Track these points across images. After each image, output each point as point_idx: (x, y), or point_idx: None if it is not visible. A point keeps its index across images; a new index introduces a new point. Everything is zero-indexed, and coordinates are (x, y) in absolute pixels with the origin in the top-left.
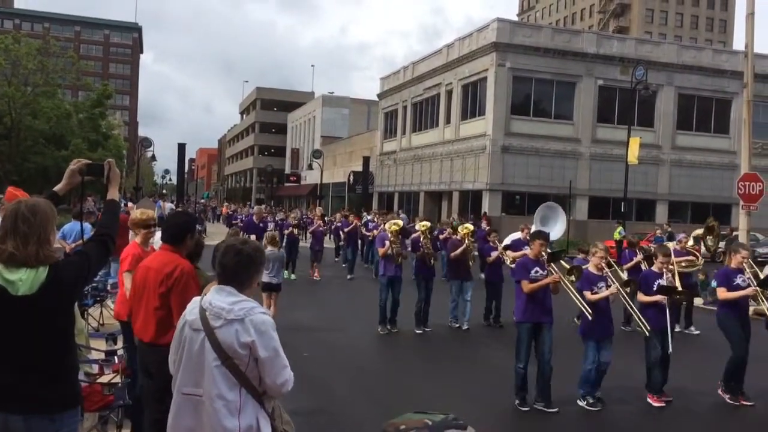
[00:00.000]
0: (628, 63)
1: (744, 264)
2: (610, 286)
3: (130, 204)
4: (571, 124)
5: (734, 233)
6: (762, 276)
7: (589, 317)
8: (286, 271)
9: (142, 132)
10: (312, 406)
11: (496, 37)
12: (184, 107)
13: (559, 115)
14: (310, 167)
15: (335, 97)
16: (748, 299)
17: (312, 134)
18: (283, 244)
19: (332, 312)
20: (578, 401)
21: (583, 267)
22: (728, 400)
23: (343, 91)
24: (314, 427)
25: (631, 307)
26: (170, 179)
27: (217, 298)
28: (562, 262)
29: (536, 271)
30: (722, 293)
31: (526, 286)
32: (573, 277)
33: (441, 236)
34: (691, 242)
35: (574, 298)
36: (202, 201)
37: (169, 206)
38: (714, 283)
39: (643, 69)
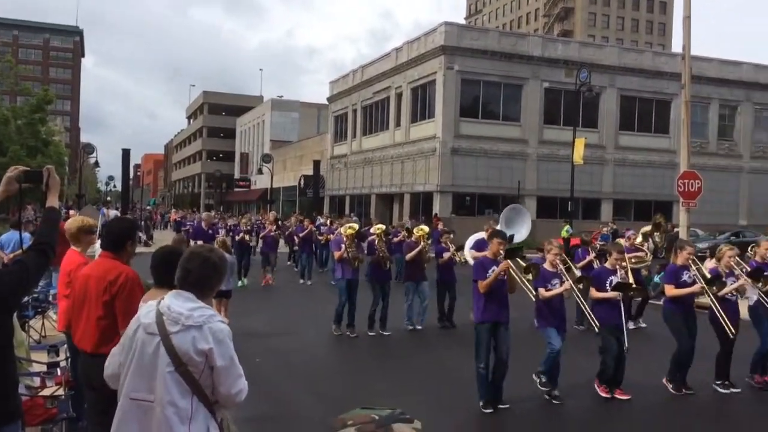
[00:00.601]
0: (572, 65)
1: (689, 261)
2: (564, 283)
3: (71, 212)
4: (518, 126)
5: (675, 230)
6: (705, 270)
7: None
8: (239, 281)
9: (84, 138)
10: (265, 412)
11: (444, 41)
12: (128, 112)
13: (507, 116)
14: (260, 172)
15: (285, 101)
16: (693, 296)
17: (261, 138)
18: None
19: (286, 317)
20: (533, 375)
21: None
22: (672, 390)
23: (292, 95)
24: None
25: (583, 304)
26: (114, 186)
27: (176, 303)
28: (519, 260)
29: (493, 271)
30: (670, 290)
31: (482, 285)
32: (531, 276)
33: (395, 239)
34: (639, 239)
35: (529, 294)
36: (149, 208)
37: (113, 213)
38: (657, 279)
39: (587, 71)
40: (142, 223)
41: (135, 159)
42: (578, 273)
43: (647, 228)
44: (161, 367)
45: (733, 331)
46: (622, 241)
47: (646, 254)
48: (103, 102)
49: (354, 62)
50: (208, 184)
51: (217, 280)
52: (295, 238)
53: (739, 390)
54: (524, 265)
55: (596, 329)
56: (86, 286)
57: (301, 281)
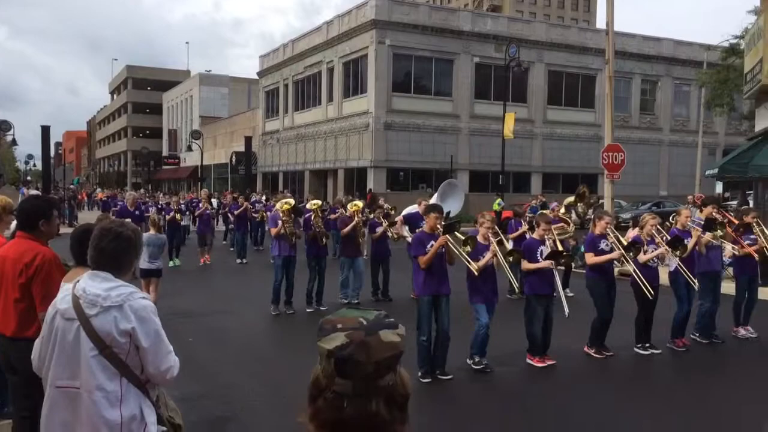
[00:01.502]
0: (501, 41)
1: (607, 229)
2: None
3: None
4: (450, 101)
5: (600, 201)
6: (624, 240)
7: (476, 273)
8: (171, 260)
9: (0, 115)
10: (199, 390)
11: (375, 15)
12: (46, 87)
13: (439, 91)
14: (189, 149)
15: (213, 75)
16: (613, 264)
17: (190, 114)
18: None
19: (221, 296)
20: (467, 360)
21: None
22: (594, 354)
23: (220, 69)
24: (202, 411)
25: (511, 276)
26: (35, 165)
27: (92, 284)
28: (457, 233)
29: (431, 245)
30: (590, 258)
31: (422, 260)
32: (469, 248)
33: (333, 216)
34: (563, 210)
35: (466, 264)
36: (72, 187)
37: (34, 193)
38: (582, 249)
39: (516, 47)
40: (66, 203)
41: (56, 136)
42: (510, 244)
43: (570, 199)
44: (84, 352)
45: (651, 291)
46: (546, 212)
47: (569, 224)
48: (19, 77)
49: (284, 36)
50: (135, 162)
51: (135, 255)
52: (230, 216)
53: (659, 351)
54: (462, 238)
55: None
56: (2, 268)
57: (238, 261)
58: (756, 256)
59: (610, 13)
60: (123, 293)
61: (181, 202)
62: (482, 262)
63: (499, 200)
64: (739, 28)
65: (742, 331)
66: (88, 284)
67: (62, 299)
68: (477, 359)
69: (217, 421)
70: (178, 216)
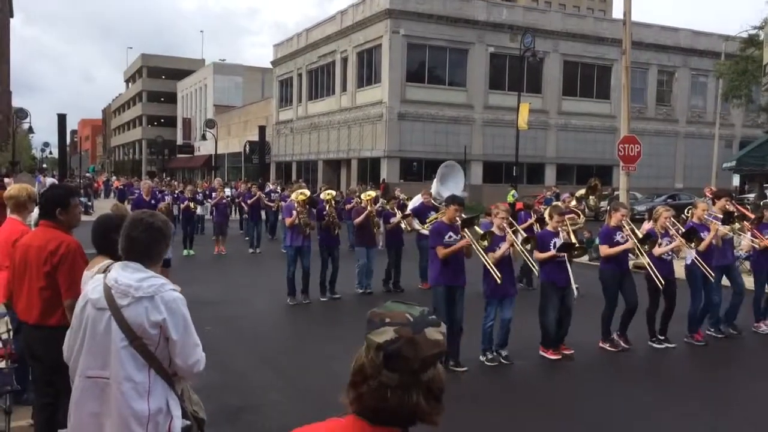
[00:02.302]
0: (516, 30)
1: (623, 221)
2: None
3: (6, 180)
4: (464, 91)
5: (615, 192)
6: (639, 233)
7: (498, 281)
8: (185, 250)
9: (16, 103)
10: (216, 380)
11: (390, 4)
12: (62, 75)
13: (453, 82)
14: (203, 137)
15: (227, 64)
16: (627, 256)
17: (204, 103)
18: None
19: (236, 286)
20: (480, 357)
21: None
22: (609, 348)
23: (234, 57)
24: (219, 401)
25: (531, 263)
26: (51, 152)
27: (123, 275)
28: (476, 227)
29: (450, 236)
30: (604, 250)
31: (441, 251)
32: (486, 242)
33: (348, 206)
34: (573, 202)
35: (484, 262)
36: (88, 175)
37: (50, 181)
38: (597, 241)
39: (531, 36)
40: (83, 190)
41: (71, 124)
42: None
43: (582, 191)
44: (115, 343)
45: (662, 281)
46: (558, 203)
47: (579, 216)
48: (34, 64)
49: (297, 24)
50: (150, 151)
51: (165, 245)
52: (244, 205)
53: (674, 345)
54: (480, 232)
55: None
56: (26, 256)
57: (251, 250)
58: None
59: (628, 2)
60: (155, 284)
61: (198, 191)
62: (499, 252)
63: (513, 191)
64: (759, 18)
65: (763, 326)
66: (120, 274)
67: (93, 289)
68: (490, 355)
69: (234, 410)
70: (192, 205)
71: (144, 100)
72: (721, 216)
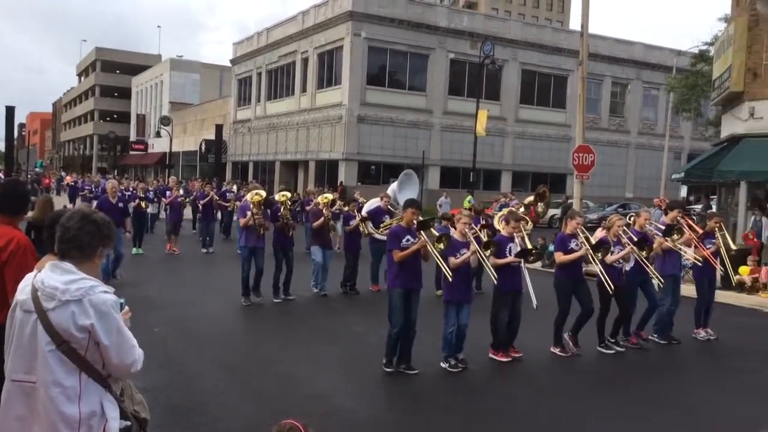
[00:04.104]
0: (477, 38)
1: (578, 229)
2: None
3: None
4: (424, 96)
5: (569, 200)
6: (593, 240)
7: (450, 279)
8: (134, 248)
9: None
10: (165, 380)
11: (352, 6)
12: (10, 67)
13: (413, 86)
14: (158, 135)
15: (185, 61)
16: (581, 264)
17: (159, 100)
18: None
19: (187, 286)
20: (441, 363)
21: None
22: (560, 353)
23: (192, 54)
24: (168, 402)
25: (492, 271)
26: None
27: (51, 276)
28: (432, 230)
29: (407, 240)
30: (559, 257)
31: (397, 254)
32: (442, 245)
33: (308, 207)
34: (522, 209)
35: (440, 264)
36: (37, 170)
37: (11, 177)
38: (552, 247)
39: (491, 44)
40: (29, 186)
41: (20, 118)
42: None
43: (530, 198)
44: (41, 346)
45: (612, 287)
46: (505, 210)
47: (527, 222)
48: None
49: (258, 22)
50: (101, 146)
51: (100, 242)
52: (198, 205)
53: (623, 350)
54: (436, 234)
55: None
56: None
57: (204, 250)
58: (716, 261)
59: (585, 14)
60: (83, 287)
61: (150, 189)
62: (461, 259)
63: (469, 197)
64: (709, 34)
65: (702, 333)
66: (48, 276)
67: (22, 289)
68: (452, 362)
69: (184, 411)
70: (143, 203)
71: (97, 94)
72: (663, 227)
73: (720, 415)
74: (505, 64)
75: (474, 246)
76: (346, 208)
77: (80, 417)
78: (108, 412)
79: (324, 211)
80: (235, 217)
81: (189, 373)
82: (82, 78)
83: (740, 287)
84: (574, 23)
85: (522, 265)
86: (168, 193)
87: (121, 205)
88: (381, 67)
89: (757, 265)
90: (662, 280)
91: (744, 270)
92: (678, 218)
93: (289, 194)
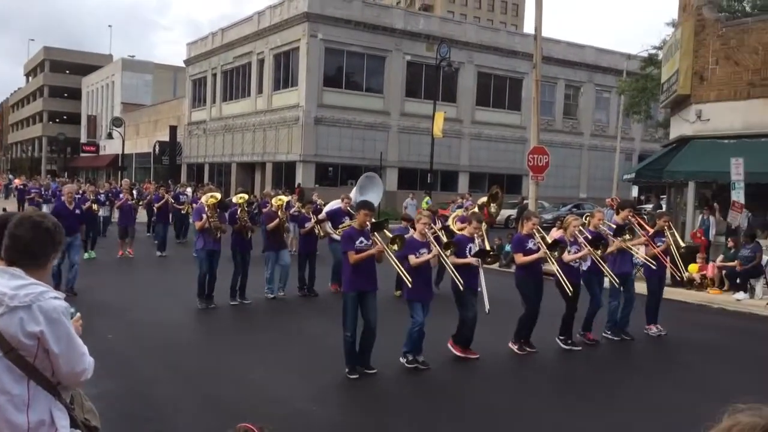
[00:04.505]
0: (433, 40)
1: (534, 230)
2: (431, 252)
3: None
4: (381, 98)
5: (525, 201)
6: (549, 240)
7: (409, 284)
8: (86, 252)
9: None
10: (119, 388)
11: (308, 8)
12: None
13: (370, 88)
14: (110, 136)
15: (137, 61)
16: (540, 262)
17: (111, 101)
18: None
19: (141, 290)
20: (400, 358)
21: (407, 234)
22: (517, 351)
23: (144, 54)
24: (122, 410)
25: (452, 269)
26: None
27: None
28: (385, 231)
29: (361, 242)
30: (518, 258)
31: (352, 257)
32: (396, 246)
33: (264, 209)
34: (476, 209)
35: (395, 266)
36: None
37: None
38: (508, 248)
39: (447, 47)
40: None
41: None
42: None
43: (484, 199)
44: None
45: (570, 288)
46: (460, 211)
47: (481, 223)
48: None
49: (211, 22)
50: (51, 148)
51: (53, 250)
52: (153, 208)
53: (579, 348)
54: (390, 236)
55: (460, 287)
56: None
57: (157, 253)
58: (666, 259)
59: (539, 18)
60: (32, 293)
61: (100, 191)
62: (421, 258)
63: (427, 198)
64: (658, 39)
65: (653, 329)
66: None
67: None
68: (410, 357)
69: (139, 419)
70: (94, 206)
71: (46, 95)
72: (615, 227)
73: (672, 410)
74: (461, 66)
75: (436, 248)
76: (303, 210)
77: (29, 426)
78: (58, 420)
79: (279, 213)
80: (190, 220)
81: (144, 380)
82: (30, 78)
83: (689, 284)
84: (528, 27)
85: (479, 266)
86: (120, 195)
87: (78, 211)
88: (338, 69)
89: (705, 263)
90: (617, 280)
91: (693, 267)
92: (629, 217)
93: (246, 196)
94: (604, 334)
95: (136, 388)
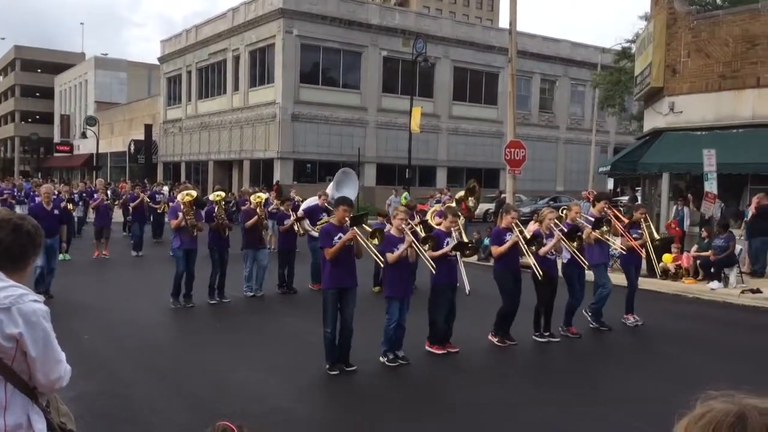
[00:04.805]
0: (409, 35)
1: (512, 224)
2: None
3: None
4: (358, 93)
5: (503, 195)
6: (527, 234)
7: (379, 263)
8: (61, 254)
9: None
10: (96, 389)
11: (283, 4)
12: None
13: (347, 84)
14: (84, 136)
15: (110, 59)
16: (518, 255)
17: (85, 99)
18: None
19: (118, 291)
20: (380, 358)
21: (385, 230)
22: (497, 343)
23: (118, 52)
24: (99, 411)
25: (432, 266)
26: None
27: None
28: (365, 225)
29: (339, 237)
30: (495, 250)
31: (329, 252)
32: (376, 240)
33: (243, 207)
34: (453, 204)
35: (375, 259)
36: None
37: None
38: (487, 241)
39: (423, 42)
40: None
41: None
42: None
43: (461, 193)
44: None
45: (541, 273)
46: (438, 206)
47: (459, 217)
48: None
49: (186, 18)
50: (23, 149)
51: (33, 252)
52: (129, 207)
53: (558, 340)
54: (369, 230)
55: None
56: None
57: (133, 253)
58: (642, 251)
59: (513, 13)
60: (12, 295)
61: (74, 191)
62: (397, 253)
63: (405, 193)
64: (631, 32)
65: (631, 319)
66: None
67: None
68: (391, 356)
69: (116, 420)
70: (70, 206)
71: (17, 94)
72: (593, 219)
73: (650, 399)
74: (437, 61)
75: (410, 239)
76: (282, 207)
77: (6, 429)
78: (35, 424)
79: (257, 210)
80: (166, 219)
81: (121, 381)
82: (1, 78)
83: (664, 274)
84: (504, 22)
85: (458, 258)
86: (95, 195)
87: (56, 212)
88: (314, 65)
89: (680, 253)
90: (586, 264)
91: (667, 258)
92: (604, 209)
93: (223, 194)
94: (584, 312)
95: (113, 389)
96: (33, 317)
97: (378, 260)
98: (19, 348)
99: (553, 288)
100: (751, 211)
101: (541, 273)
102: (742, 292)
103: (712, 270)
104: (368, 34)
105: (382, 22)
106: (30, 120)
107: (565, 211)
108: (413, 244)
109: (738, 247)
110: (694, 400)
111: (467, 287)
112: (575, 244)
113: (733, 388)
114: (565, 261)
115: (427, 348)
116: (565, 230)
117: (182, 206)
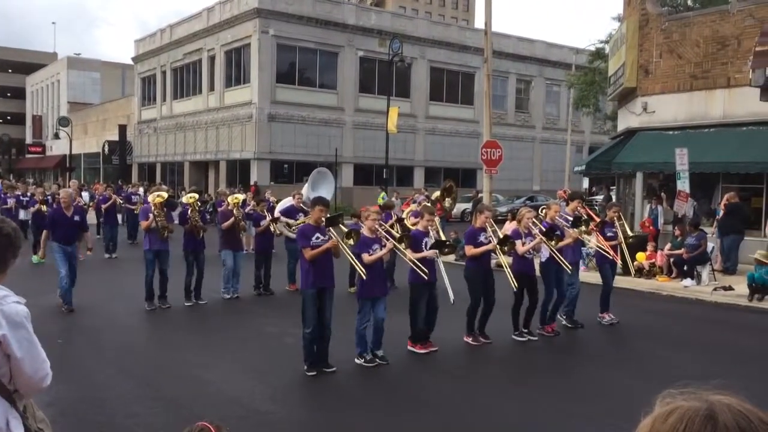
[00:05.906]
0: (385, 36)
1: (487, 223)
2: (384, 247)
3: None
4: (334, 94)
5: (479, 195)
6: (501, 234)
7: (364, 277)
8: (34, 257)
9: None
10: (71, 394)
11: (258, 3)
12: None
13: (323, 84)
14: (56, 136)
15: (83, 59)
16: (490, 255)
17: (57, 100)
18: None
19: (91, 294)
20: (356, 360)
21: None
22: (471, 342)
23: (90, 51)
24: (76, 416)
25: (416, 265)
26: None
27: None
28: (341, 226)
29: (317, 237)
30: (469, 250)
31: (308, 253)
32: (352, 241)
33: (219, 208)
34: (428, 203)
35: (351, 260)
36: None
37: None
38: (463, 241)
39: (399, 42)
40: None
41: None
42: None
43: (437, 193)
44: None
45: (516, 284)
46: (414, 206)
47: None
48: None
49: (159, 16)
50: None
51: (11, 253)
52: (102, 209)
53: (536, 338)
54: (345, 230)
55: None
56: None
57: (106, 255)
58: (617, 256)
59: (488, 13)
60: None
61: (48, 193)
62: (375, 256)
63: (383, 194)
64: (605, 33)
65: (606, 318)
66: None
67: None
68: (367, 357)
69: (92, 425)
70: (43, 208)
71: None
72: (571, 218)
73: (626, 396)
74: (413, 61)
75: (391, 243)
76: (257, 208)
77: None
78: (13, 429)
79: (234, 212)
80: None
81: (96, 385)
82: None
83: (639, 272)
84: (479, 22)
85: (437, 259)
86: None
87: (77, 218)
88: (290, 65)
89: (655, 251)
90: (570, 268)
91: (641, 256)
92: (578, 208)
93: (197, 196)
94: (559, 316)
95: (88, 393)
96: (16, 318)
97: (357, 266)
98: (1, 350)
99: (532, 287)
100: (722, 210)
101: (515, 283)
102: (715, 289)
103: (685, 268)
104: (344, 35)
105: (359, 23)
106: (1, 121)
107: (544, 210)
108: (396, 249)
109: (710, 245)
110: (654, 398)
111: (451, 296)
112: (554, 243)
113: (702, 384)
114: (543, 260)
115: (409, 347)
116: (544, 230)
117: (153, 207)
